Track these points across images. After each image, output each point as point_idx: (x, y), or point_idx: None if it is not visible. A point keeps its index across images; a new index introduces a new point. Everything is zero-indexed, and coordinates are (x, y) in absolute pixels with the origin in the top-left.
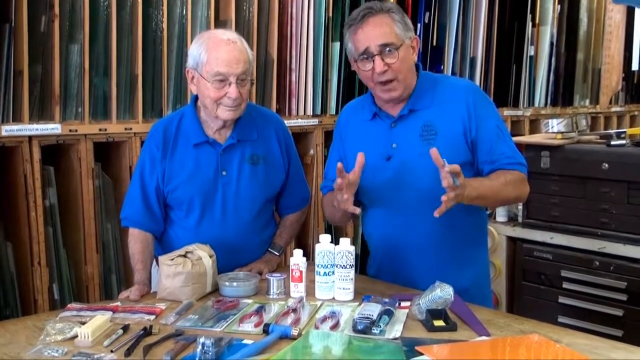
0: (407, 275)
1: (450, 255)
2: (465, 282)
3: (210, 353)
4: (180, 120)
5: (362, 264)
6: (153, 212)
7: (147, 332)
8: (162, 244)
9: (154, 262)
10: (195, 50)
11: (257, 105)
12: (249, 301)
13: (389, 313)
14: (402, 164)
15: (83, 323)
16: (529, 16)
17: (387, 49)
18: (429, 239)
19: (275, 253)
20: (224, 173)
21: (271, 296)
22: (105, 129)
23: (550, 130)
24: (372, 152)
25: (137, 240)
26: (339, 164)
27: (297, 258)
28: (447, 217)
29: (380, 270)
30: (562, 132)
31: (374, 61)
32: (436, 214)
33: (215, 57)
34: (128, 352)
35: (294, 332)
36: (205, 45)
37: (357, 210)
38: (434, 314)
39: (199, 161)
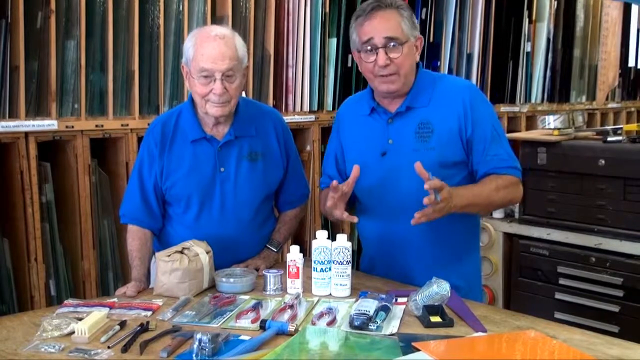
0: (400, 270)
1: (443, 252)
2: (458, 279)
3: (207, 349)
4: (178, 117)
5: (358, 260)
6: (151, 208)
7: (144, 328)
8: (161, 241)
9: (153, 258)
10: (187, 46)
11: (256, 101)
12: (246, 297)
13: (385, 309)
14: (397, 160)
15: (80, 319)
16: (526, 12)
17: (392, 43)
18: (422, 235)
19: (273, 249)
20: (222, 169)
21: (268, 292)
22: (102, 125)
23: (546, 127)
24: (368, 147)
25: (135, 237)
26: (334, 182)
27: (293, 254)
28: None
29: (373, 265)
30: (558, 129)
31: (377, 54)
32: (413, 222)
33: (200, 53)
34: (125, 348)
35: (291, 328)
36: (194, 40)
37: (355, 219)
38: (430, 310)
39: (197, 157)
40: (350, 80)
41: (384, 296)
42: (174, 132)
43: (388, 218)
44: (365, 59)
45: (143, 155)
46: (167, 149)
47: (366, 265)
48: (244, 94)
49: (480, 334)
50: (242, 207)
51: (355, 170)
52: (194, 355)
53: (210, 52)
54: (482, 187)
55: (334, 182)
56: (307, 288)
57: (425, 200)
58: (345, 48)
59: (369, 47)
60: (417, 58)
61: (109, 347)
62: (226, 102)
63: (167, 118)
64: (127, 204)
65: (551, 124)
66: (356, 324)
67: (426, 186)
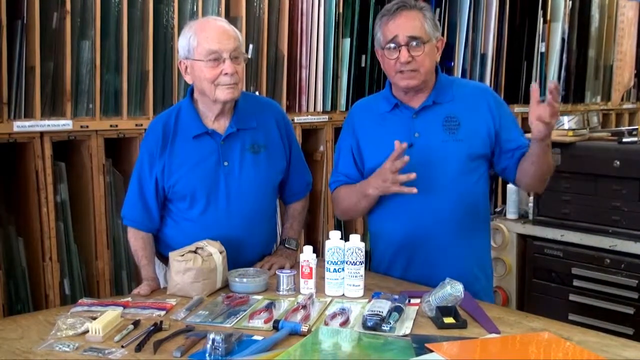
0: (425, 264)
1: (466, 241)
2: (478, 270)
3: (220, 349)
4: (178, 114)
5: (369, 261)
6: (150, 211)
7: (157, 327)
8: (167, 238)
9: (157, 261)
10: (184, 39)
11: (255, 94)
12: (259, 297)
13: (398, 310)
14: (425, 151)
15: (94, 318)
16: (540, 12)
17: (415, 42)
18: (448, 224)
19: (293, 248)
20: (225, 164)
21: (281, 292)
22: (116, 125)
23: (561, 127)
24: (392, 142)
25: (137, 237)
26: (398, 149)
27: (307, 254)
28: (466, 201)
29: (391, 263)
30: (573, 129)
31: (399, 51)
32: (550, 100)
33: (205, 36)
34: (139, 348)
35: (304, 328)
36: (193, 30)
37: (414, 190)
38: (444, 311)
39: (200, 153)
40: (364, 81)
41: (397, 297)
42: (175, 129)
43: (416, 210)
44: (388, 55)
45: (143, 157)
46: (168, 147)
47: (384, 264)
48: (257, 93)
49: (493, 335)
50: (248, 200)
51: (398, 145)
52: (207, 355)
53: (215, 33)
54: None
55: (397, 147)
56: (320, 288)
57: (552, 86)
58: (358, 48)
59: (392, 45)
60: (438, 58)
61: (122, 347)
62: (235, 85)
63: (167, 116)
64: (127, 206)
65: (566, 125)
66: (369, 324)
67: (551, 85)
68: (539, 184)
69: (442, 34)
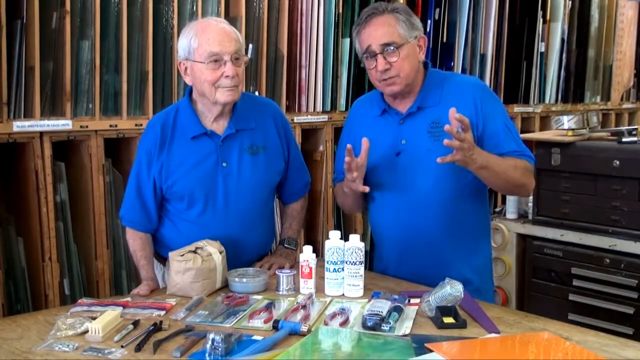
0: (415, 266)
1: (456, 246)
2: (470, 273)
3: (220, 349)
4: (176, 114)
5: (371, 261)
6: (148, 212)
7: (157, 327)
8: (164, 239)
9: (155, 262)
10: (185, 40)
11: (253, 95)
12: (259, 297)
13: (398, 310)
14: (411, 160)
15: (94, 318)
16: (540, 12)
17: (389, 47)
18: (437, 231)
19: (293, 248)
20: (224, 164)
21: (281, 292)
22: (116, 125)
23: (560, 127)
24: (382, 148)
25: (136, 237)
26: (349, 146)
27: (306, 254)
28: (454, 208)
29: (389, 263)
30: (572, 129)
31: (376, 60)
32: (439, 160)
33: (206, 38)
34: (138, 348)
35: (304, 328)
36: (194, 31)
37: (367, 189)
38: (443, 311)
39: (198, 154)
40: (363, 81)
41: (396, 297)
42: (173, 129)
43: (404, 216)
44: (368, 66)
45: (141, 157)
46: (166, 147)
47: (382, 265)
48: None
49: (493, 335)
50: (246, 201)
51: (364, 142)
52: (206, 355)
53: (216, 35)
54: (502, 159)
55: (349, 146)
56: (319, 288)
57: (446, 127)
58: None
59: (368, 55)
60: (422, 57)
61: (122, 347)
62: (236, 87)
63: (165, 116)
64: (125, 206)
65: (565, 125)
66: (369, 324)
67: (456, 116)
68: (508, 193)
69: (442, 34)
